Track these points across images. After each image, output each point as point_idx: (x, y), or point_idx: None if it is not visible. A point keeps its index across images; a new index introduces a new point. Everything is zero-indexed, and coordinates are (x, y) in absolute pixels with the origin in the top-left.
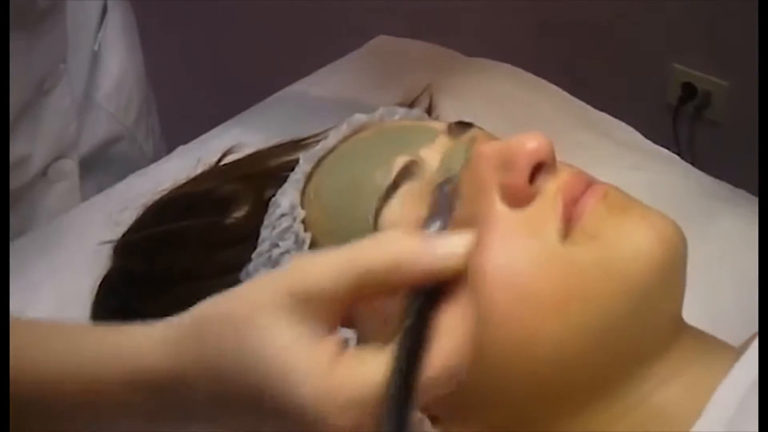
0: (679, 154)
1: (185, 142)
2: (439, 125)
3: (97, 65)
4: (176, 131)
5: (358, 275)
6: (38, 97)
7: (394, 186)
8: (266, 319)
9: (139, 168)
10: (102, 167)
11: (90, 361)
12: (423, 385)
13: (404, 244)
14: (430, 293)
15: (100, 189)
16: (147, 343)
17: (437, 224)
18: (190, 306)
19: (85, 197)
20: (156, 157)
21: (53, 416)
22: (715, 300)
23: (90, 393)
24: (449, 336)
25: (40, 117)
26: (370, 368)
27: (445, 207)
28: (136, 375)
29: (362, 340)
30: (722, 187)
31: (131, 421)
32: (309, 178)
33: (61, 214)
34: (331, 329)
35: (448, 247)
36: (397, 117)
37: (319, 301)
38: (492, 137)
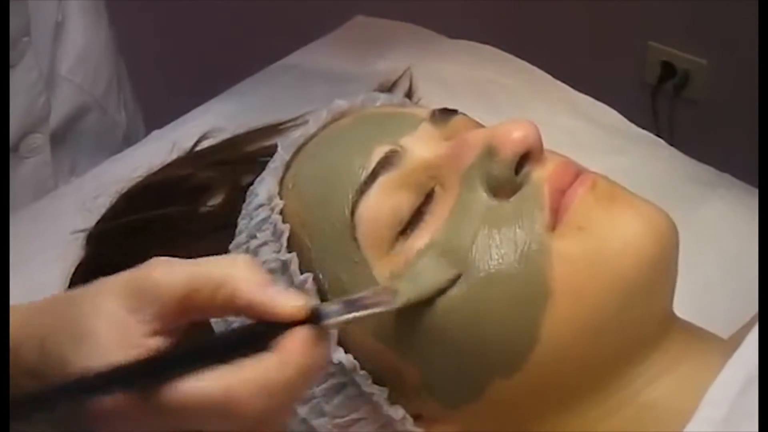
0: (658, 133)
1: (164, 115)
2: (422, 112)
3: (60, 37)
4: (155, 105)
5: (188, 282)
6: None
7: (373, 177)
8: (102, 300)
9: (112, 139)
10: (73, 141)
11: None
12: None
13: (243, 273)
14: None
15: (73, 163)
16: (18, 311)
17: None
18: None
19: (58, 172)
20: (130, 130)
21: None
22: (701, 286)
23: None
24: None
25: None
26: None
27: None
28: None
29: None
30: (706, 171)
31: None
32: (288, 166)
33: (34, 200)
34: (164, 327)
35: (281, 297)
36: (378, 103)
37: (152, 295)
38: (477, 124)
